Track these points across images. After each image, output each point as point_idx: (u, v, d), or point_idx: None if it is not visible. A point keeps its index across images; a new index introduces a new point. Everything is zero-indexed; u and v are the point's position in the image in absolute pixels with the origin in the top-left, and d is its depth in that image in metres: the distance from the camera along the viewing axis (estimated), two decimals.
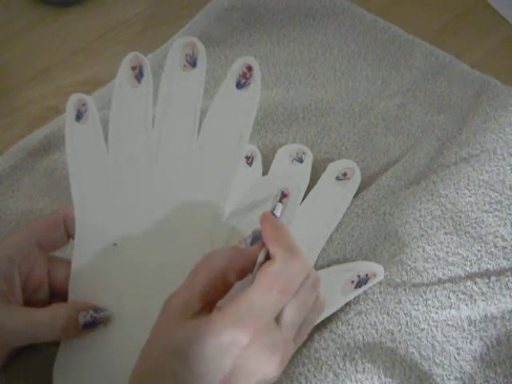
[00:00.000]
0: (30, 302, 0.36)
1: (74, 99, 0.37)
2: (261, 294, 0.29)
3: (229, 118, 0.35)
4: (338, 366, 0.38)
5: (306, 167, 0.48)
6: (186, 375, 0.28)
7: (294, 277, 0.30)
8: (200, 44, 0.35)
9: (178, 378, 0.28)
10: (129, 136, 0.36)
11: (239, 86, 0.35)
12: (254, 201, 0.35)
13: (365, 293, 0.41)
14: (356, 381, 0.38)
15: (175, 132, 0.36)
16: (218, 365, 0.28)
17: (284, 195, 0.33)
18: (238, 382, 0.28)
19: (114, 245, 0.36)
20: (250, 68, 0.35)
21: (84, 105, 0.37)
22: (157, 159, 0.36)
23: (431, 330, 0.40)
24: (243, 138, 0.35)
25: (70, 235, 0.37)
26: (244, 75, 0.35)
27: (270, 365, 0.29)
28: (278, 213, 0.33)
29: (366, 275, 0.41)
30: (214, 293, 0.31)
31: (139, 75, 0.36)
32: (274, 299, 0.29)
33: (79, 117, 0.37)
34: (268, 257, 0.31)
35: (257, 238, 0.32)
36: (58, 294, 0.37)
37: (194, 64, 0.35)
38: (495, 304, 0.41)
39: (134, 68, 0.36)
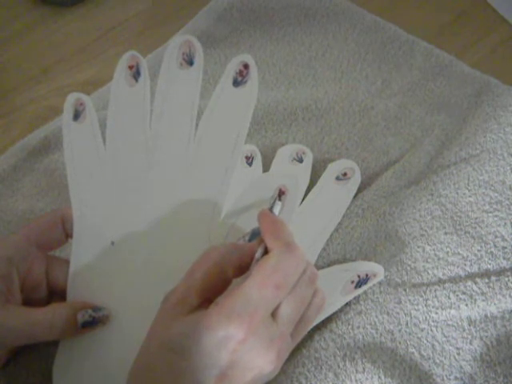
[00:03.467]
0: (28, 302, 0.36)
1: (71, 98, 0.37)
2: (256, 288, 0.29)
3: (226, 115, 0.35)
4: (338, 366, 0.38)
5: (306, 167, 0.48)
6: (182, 370, 0.28)
7: (291, 271, 0.30)
8: (197, 42, 0.35)
9: (174, 373, 0.28)
10: (126, 134, 0.36)
11: (236, 83, 0.35)
12: (252, 199, 0.35)
13: (365, 293, 0.41)
14: (356, 381, 0.38)
15: (172, 130, 0.36)
16: (215, 359, 0.28)
17: (282, 192, 0.33)
18: (235, 377, 0.28)
19: (112, 243, 0.36)
20: (246, 66, 0.35)
21: (81, 104, 0.37)
22: (154, 157, 0.36)
23: (431, 329, 0.40)
24: (241, 136, 0.35)
25: (68, 235, 0.37)
26: (241, 73, 0.35)
27: (266, 359, 0.29)
28: (276, 210, 0.33)
29: (366, 275, 0.41)
30: (211, 288, 0.31)
31: (136, 74, 0.36)
32: (269, 294, 0.29)
33: (77, 116, 0.37)
34: (266, 253, 0.31)
35: (255, 234, 0.32)
36: (56, 294, 0.37)
37: (190, 62, 0.35)
38: (495, 304, 0.41)
39: (131, 67, 0.36)
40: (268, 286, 0.29)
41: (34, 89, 0.55)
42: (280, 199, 0.34)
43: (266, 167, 0.47)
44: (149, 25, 0.60)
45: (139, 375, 0.29)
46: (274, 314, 0.30)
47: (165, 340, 0.29)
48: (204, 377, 0.28)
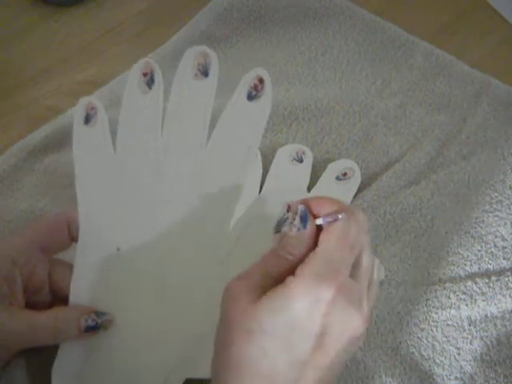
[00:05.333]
0: (30, 304, 0.36)
1: (83, 102, 0.37)
2: (334, 251, 0.28)
3: (239, 128, 0.35)
4: None
5: (306, 167, 0.47)
6: (276, 351, 0.27)
7: (360, 232, 0.29)
8: (213, 54, 0.35)
9: (268, 357, 0.27)
10: (137, 141, 0.36)
11: (250, 97, 0.35)
12: (261, 211, 0.35)
13: None
14: (357, 380, 0.38)
15: (184, 139, 0.36)
16: (309, 329, 0.27)
17: (290, 207, 0.32)
18: (331, 343, 0.27)
19: (118, 249, 0.36)
20: (261, 80, 0.35)
21: (93, 108, 0.36)
22: (164, 165, 0.36)
23: (431, 329, 0.41)
24: (252, 150, 0.35)
25: (73, 238, 0.37)
26: (255, 87, 0.35)
27: (357, 319, 0.28)
28: (286, 224, 0.33)
29: None
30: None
31: (150, 81, 0.36)
32: (347, 254, 0.28)
33: (88, 120, 0.36)
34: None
35: (305, 217, 0.30)
36: (58, 297, 0.37)
37: (205, 73, 0.35)
38: (495, 304, 0.41)
39: (145, 74, 0.36)
40: (344, 246, 0.28)
41: (34, 89, 0.55)
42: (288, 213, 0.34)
43: (265, 167, 0.47)
44: (149, 25, 0.60)
45: (231, 371, 0.28)
46: (351, 275, 0.29)
47: (249, 326, 0.27)
48: (301, 350, 0.27)
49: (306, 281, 0.27)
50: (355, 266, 0.29)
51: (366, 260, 0.30)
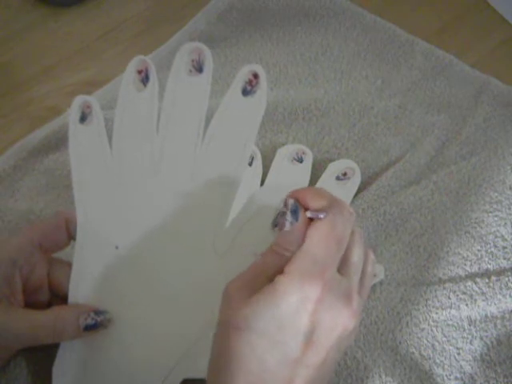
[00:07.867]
0: (29, 304, 0.36)
1: (78, 101, 0.36)
2: (319, 247, 0.28)
3: (234, 124, 0.35)
4: (339, 365, 0.38)
5: (306, 167, 0.48)
6: (265, 349, 0.27)
7: (346, 224, 0.29)
8: (207, 50, 0.35)
9: (257, 354, 0.27)
10: (133, 140, 0.36)
11: (245, 93, 0.35)
12: (258, 207, 0.35)
13: None
14: (357, 379, 0.38)
15: (179, 137, 0.36)
16: (297, 327, 0.27)
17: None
18: (321, 340, 0.27)
19: (116, 247, 0.36)
20: (256, 75, 0.35)
21: (88, 107, 0.36)
22: (160, 163, 0.36)
23: (431, 329, 0.41)
24: (248, 146, 0.35)
25: (72, 237, 0.37)
26: (250, 82, 0.35)
27: (346, 315, 0.28)
28: (287, 219, 0.33)
29: None
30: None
31: (145, 79, 0.36)
32: (333, 249, 0.28)
33: (83, 119, 0.36)
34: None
35: (295, 211, 0.30)
36: (57, 296, 0.37)
37: (200, 70, 0.35)
38: (495, 304, 0.41)
39: (139, 72, 0.36)
40: (330, 242, 0.28)
41: (34, 89, 0.55)
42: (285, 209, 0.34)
43: (265, 167, 0.47)
44: (149, 25, 0.60)
45: (223, 369, 0.28)
46: (340, 270, 0.29)
47: (239, 324, 0.28)
48: (290, 349, 0.27)
49: (291, 279, 0.27)
50: (344, 261, 0.29)
51: (355, 254, 0.30)
